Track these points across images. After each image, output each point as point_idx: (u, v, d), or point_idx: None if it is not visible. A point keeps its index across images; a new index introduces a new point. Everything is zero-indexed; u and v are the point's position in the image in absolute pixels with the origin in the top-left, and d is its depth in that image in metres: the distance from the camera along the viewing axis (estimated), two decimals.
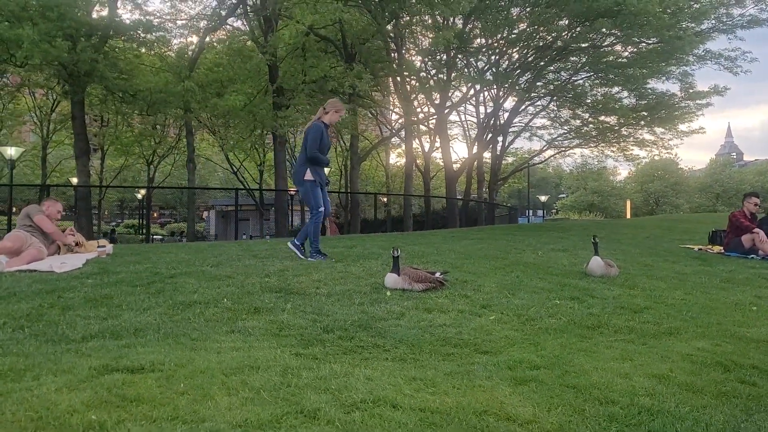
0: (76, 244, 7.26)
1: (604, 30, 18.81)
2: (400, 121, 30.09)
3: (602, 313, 4.60)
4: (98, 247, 7.24)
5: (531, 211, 63.88)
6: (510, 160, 37.07)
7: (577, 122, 28.34)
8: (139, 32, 17.51)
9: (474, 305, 4.70)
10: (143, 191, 38.22)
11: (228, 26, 21.19)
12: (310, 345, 3.30)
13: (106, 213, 67.12)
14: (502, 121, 27.33)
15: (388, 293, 5.02)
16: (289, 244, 7.27)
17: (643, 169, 56.97)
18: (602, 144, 30.43)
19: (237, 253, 7.59)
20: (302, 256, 6.97)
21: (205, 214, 53.79)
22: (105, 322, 3.77)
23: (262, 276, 5.70)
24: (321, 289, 5.12)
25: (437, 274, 5.46)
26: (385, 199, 36.67)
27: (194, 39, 21.51)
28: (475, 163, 28.96)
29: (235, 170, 33.43)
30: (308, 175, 6.87)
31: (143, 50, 19.52)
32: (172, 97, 17.27)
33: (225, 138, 22.05)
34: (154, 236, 42.15)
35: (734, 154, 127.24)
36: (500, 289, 5.41)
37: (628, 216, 54.19)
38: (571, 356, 3.22)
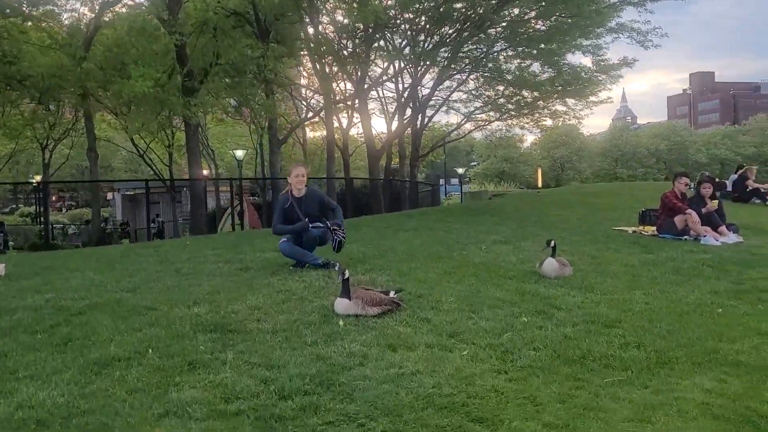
0: None
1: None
2: (316, 97, 29.10)
3: (577, 335, 4.21)
4: None
5: (446, 182, 64.64)
6: (428, 134, 36.89)
7: (496, 96, 28.32)
8: (23, 6, 15.58)
9: (440, 334, 4.18)
10: (38, 177, 35.25)
11: (129, 1, 19.42)
12: (269, 430, 2.65)
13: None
14: (421, 96, 26.90)
15: (341, 323, 4.42)
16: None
17: (548, 135, 58.56)
18: (518, 117, 30.70)
19: (155, 267, 6.73)
20: (319, 262, 6.40)
21: (110, 195, 50.62)
22: None
23: (190, 304, 4.94)
24: (262, 321, 4.44)
25: (391, 294, 4.89)
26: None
27: (88, 13, 19.60)
28: (397, 140, 28.48)
29: (142, 153, 31.32)
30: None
31: (30, 24, 17.53)
32: (68, 82, 15.52)
33: (129, 121, 20.36)
34: (55, 226, 39.19)
35: (629, 117, 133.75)
36: (460, 306, 4.93)
37: (540, 184, 55.79)
38: (580, 422, 2.75)
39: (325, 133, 25.11)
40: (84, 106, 17.86)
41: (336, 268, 6.13)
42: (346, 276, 4.66)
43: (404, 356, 3.72)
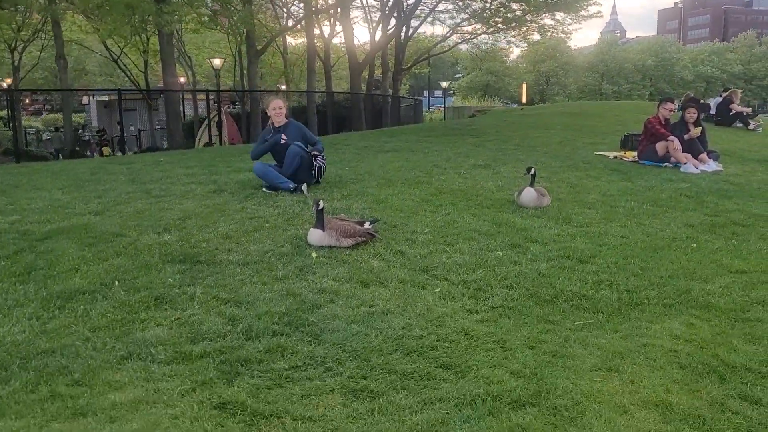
0: None
1: None
2: (297, 3, 27.84)
3: (551, 272, 4.19)
4: None
5: (429, 95, 63.61)
6: (412, 46, 35.78)
7: (483, 8, 27.35)
8: None
9: (413, 269, 4.14)
10: (8, 80, 33.86)
11: None
12: (234, 377, 2.61)
13: None
14: (406, 6, 25.88)
15: (314, 254, 4.35)
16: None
17: (535, 49, 57.21)
18: (505, 30, 29.85)
19: (125, 187, 6.54)
20: (290, 186, 6.23)
21: (85, 99, 49.05)
22: None
23: (160, 231, 4.81)
24: (233, 252, 4.35)
25: (366, 224, 4.80)
26: (283, 87, 34.78)
27: None
28: (380, 52, 27.58)
29: (116, 58, 30.10)
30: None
31: None
32: None
33: (101, 24, 19.30)
34: (28, 131, 38.13)
35: (618, 31, 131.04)
36: (435, 238, 4.87)
37: (524, 100, 55.06)
38: (549, 372, 2.74)
39: (307, 41, 24.20)
40: (50, 10, 16.83)
41: (305, 194, 6.04)
42: (321, 206, 4.54)
43: (376, 293, 3.68)
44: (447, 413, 2.39)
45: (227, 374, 2.64)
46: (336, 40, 30.38)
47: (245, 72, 25.31)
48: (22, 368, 2.63)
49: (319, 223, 4.54)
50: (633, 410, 2.46)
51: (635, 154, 9.95)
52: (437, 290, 3.78)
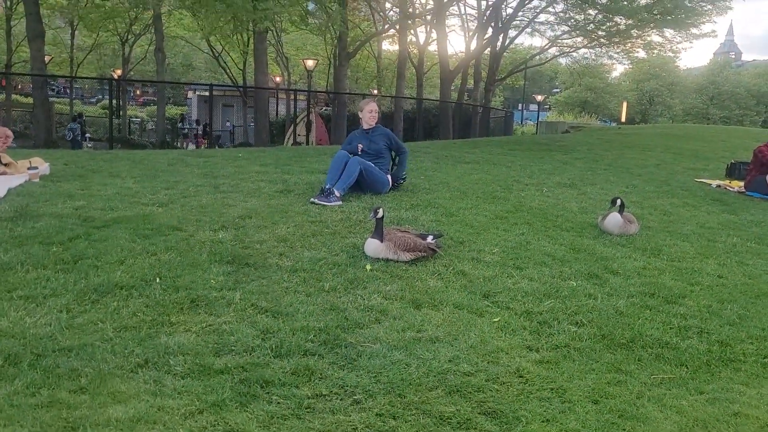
0: (5, 165, 6.13)
1: None
2: (395, 9, 27.75)
3: (630, 310, 3.69)
4: (28, 169, 6.10)
5: (524, 107, 62.12)
6: (508, 55, 34.96)
7: (585, 20, 26.21)
8: None
9: (473, 293, 3.76)
10: (118, 71, 35.82)
11: None
12: (250, 401, 2.34)
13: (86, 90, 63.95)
14: (505, 16, 25.21)
15: (368, 267, 4.05)
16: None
17: (640, 66, 54.49)
18: (608, 45, 28.55)
19: (195, 180, 6.50)
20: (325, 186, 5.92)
21: (190, 94, 51.26)
22: None
23: (217, 228, 4.67)
24: (285, 257, 4.12)
25: (429, 239, 4.46)
26: (375, 92, 34.86)
27: None
28: (473, 61, 27.04)
29: (217, 55, 31.20)
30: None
31: None
32: None
33: (203, 21, 19.97)
34: (133, 120, 40.22)
35: (733, 53, 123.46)
36: (503, 260, 4.46)
37: (623, 118, 52.64)
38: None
39: (399, 46, 24.02)
40: (152, 4, 17.55)
41: (319, 203, 5.60)
42: (380, 215, 4.24)
43: (426, 317, 3.33)
44: None
45: (243, 396, 2.38)
46: (431, 48, 30.05)
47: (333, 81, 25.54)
48: (32, 366, 2.48)
49: (378, 234, 4.24)
50: None
51: (742, 184, 9.06)
52: (496, 320, 3.39)
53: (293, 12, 15.95)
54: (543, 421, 2.38)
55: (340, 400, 2.45)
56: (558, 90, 70.59)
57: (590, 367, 2.92)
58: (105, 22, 26.35)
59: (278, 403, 2.36)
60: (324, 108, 31.99)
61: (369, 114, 6.67)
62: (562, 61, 40.88)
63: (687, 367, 3.00)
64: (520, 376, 2.75)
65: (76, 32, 33.41)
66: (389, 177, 6.57)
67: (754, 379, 2.95)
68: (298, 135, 19.31)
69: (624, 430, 2.36)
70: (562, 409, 2.49)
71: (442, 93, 22.48)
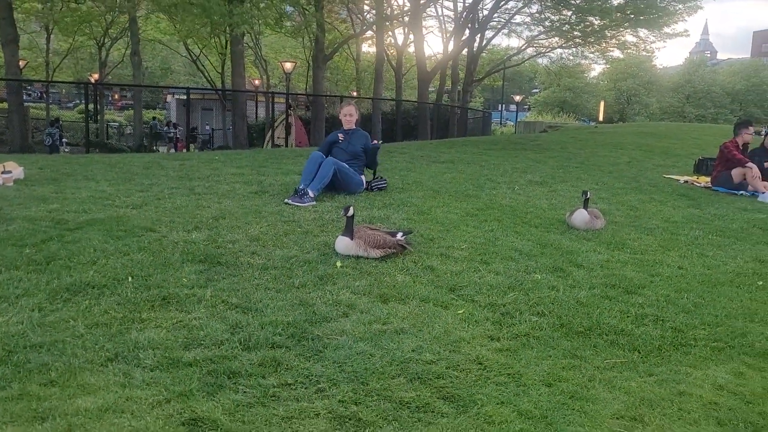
0: None
1: None
2: (372, 11, 27.88)
3: (590, 301, 3.83)
4: (2, 173, 6.12)
5: (503, 108, 62.53)
6: (486, 56, 35.22)
7: (560, 21, 26.54)
8: None
9: (440, 287, 3.87)
10: (95, 76, 35.56)
11: None
12: (217, 391, 2.43)
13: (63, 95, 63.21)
14: (481, 17, 25.44)
15: (339, 264, 4.16)
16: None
17: (617, 66, 55.14)
18: (583, 45, 28.94)
19: (170, 183, 6.56)
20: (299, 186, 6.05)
21: (169, 97, 50.96)
22: None
23: (191, 228, 4.75)
24: (257, 256, 4.21)
25: (399, 236, 4.58)
26: (354, 94, 34.97)
27: None
28: (450, 62, 27.25)
29: (195, 58, 31.12)
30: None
31: None
32: None
33: (180, 25, 19.93)
34: (111, 124, 39.89)
35: (708, 52, 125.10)
36: (471, 255, 4.59)
37: (601, 118, 53.23)
38: (562, 416, 2.43)
39: (376, 48, 24.12)
40: (127, 8, 17.47)
41: (292, 203, 5.72)
42: (350, 213, 4.35)
43: (393, 310, 3.44)
44: None
45: (210, 386, 2.47)
46: (410, 50, 30.23)
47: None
48: (3, 362, 2.54)
49: (348, 231, 4.35)
50: None
51: (708, 180, 9.31)
52: (460, 312, 3.51)
53: (268, 15, 16.01)
54: (498, 404, 2.50)
55: (305, 388, 2.54)
56: (537, 90, 71.18)
57: (547, 353, 3.04)
58: (81, 26, 26.16)
59: (244, 392, 2.46)
60: (305, 111, 32.02)
61: (344, 117, 6.89)
62: (541, 61, 41.29)
63: (639, 352, 3.14)
64: (480, 363, 2.87)
65: (52, 36, 33.09)
66: (363, 178, 6.69)
67: (702, 361, 3.09)
68: (278, 138, 19.35)
69: (573, 409, 2.49)
70: (517, 392, 2.61)
71: (419, 94, 22.65)
